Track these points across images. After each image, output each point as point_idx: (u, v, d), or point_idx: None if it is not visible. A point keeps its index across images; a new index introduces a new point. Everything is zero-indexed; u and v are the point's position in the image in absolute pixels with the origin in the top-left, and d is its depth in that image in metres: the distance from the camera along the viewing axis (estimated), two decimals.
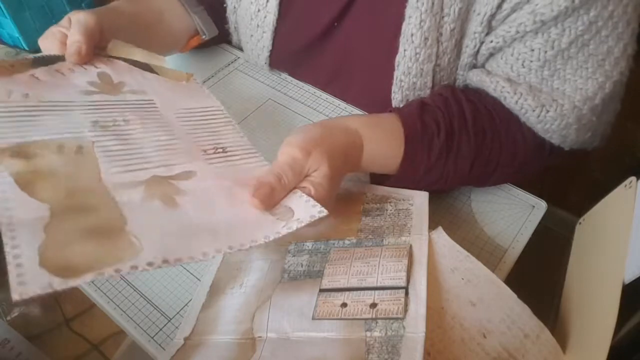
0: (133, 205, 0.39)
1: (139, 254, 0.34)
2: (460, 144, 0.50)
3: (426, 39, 0.53)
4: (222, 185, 0.42)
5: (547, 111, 0.51)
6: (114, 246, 0.35)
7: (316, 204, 0.41)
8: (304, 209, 0.41)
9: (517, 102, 0.52)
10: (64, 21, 0.54)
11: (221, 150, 0.46)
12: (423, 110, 0.50)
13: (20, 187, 0.38)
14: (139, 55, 0.56)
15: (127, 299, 0.48)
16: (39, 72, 0.50)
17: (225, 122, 0.50)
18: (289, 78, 0.69)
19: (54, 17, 0.76)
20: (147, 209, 0.39)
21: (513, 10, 0.49)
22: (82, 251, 0.34)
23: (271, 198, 0.42)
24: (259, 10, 0.64)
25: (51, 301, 1.13)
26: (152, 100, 0.49)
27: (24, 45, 0.74)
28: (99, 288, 0.49)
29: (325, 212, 0.40)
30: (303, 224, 0.40)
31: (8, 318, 1.08)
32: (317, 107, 0.65)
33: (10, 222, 0.35)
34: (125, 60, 0.54)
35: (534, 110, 0.51)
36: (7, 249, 0.33)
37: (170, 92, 0.52)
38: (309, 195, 0.42)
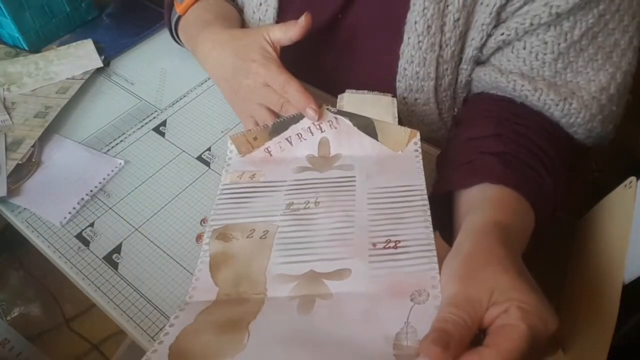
0: (273, 303, 0.40)
1: (236, 355, 0.36)
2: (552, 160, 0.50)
3: (429, 27, 0.53)
4: (366, 295, 0.40)
5: (570, 103, 0.51)
6: (228, 340, 0.37)
7: None
8: None
9: (539, 98, 0.52)
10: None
11: (392, 245, 0.43)
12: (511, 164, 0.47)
13: (209, 268, 0.43)
14: (368, 101, 0.55)
15: (127, 299, 0.48)
16: (273, 144, 0.53)
17: (418, 206, 0.46)
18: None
19: (54, 17, 0.75)
20: (281, 309, 0.39)
21: (525, 2, 0.50)
22: (203, 342, 0.37)
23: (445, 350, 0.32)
24: (260, 4, 0.64)
25: (51, 301, 1.13)
26: (354, 177, 0.50)
27: (24, 45, 0.74)
28: (98, 288, 0.49)
29: None
30: None
31: (8, 318, 1.08)
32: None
33: (187, 302, 0.41)
34: (351, 117, 0.54)
35: (557, 105, 0.51)
36: (168, 324, 0.39)
37: (378, 167, 0.51)
38: (520, 319, 0.33)
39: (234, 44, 0.58)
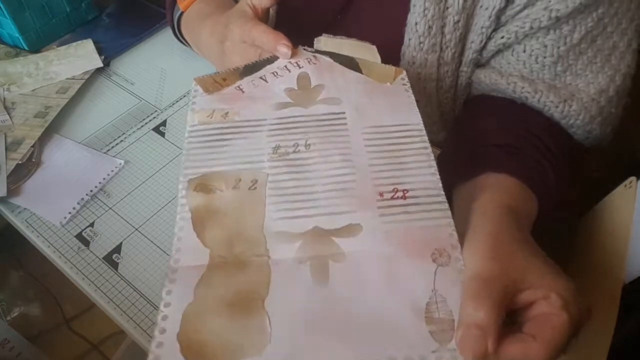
0: (281, 269, 0.36)
1: (264, 349, 0.33)
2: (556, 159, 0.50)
3: (430, 27, 0.53)
4: (384, 255, 0.37)
5: (570, 105, 0.51)
6: (245, 330, 0.34)
7: None
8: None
9: (539, 100, 0.52)
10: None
11: (401, 194, 0.40)
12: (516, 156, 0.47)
13: (193, 226, 0.38)
14: (347, 46, 0.52)
15: (127, 299, 0.48)
16: (245, 82, 0.48)
17: (419, 148, 0.43)
18: None
19: (54, 17, 0.75)
20: (293, 277, 0.36)
21: (525, 6, 0.50)
22: (216, 329, 0.33)
23: (479, 341, 0.32)
24: None
25: (51, 301, 1.13)
26: (344, 113, 0.46)
27: (24, 45, 0.74)
28: (98, 288, 0.49)
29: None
30: None
31: (8, 318, 1.08)
32: None
33: (175, 268, 0.36)
34: (331, 55, 0.51)
35: (557, 107, 0.51)
36: (163, 300, 0.34)
37: (367, 100, 0.47)
38: (562, 307, 0.33)
39: (224, 21, 0.57)
